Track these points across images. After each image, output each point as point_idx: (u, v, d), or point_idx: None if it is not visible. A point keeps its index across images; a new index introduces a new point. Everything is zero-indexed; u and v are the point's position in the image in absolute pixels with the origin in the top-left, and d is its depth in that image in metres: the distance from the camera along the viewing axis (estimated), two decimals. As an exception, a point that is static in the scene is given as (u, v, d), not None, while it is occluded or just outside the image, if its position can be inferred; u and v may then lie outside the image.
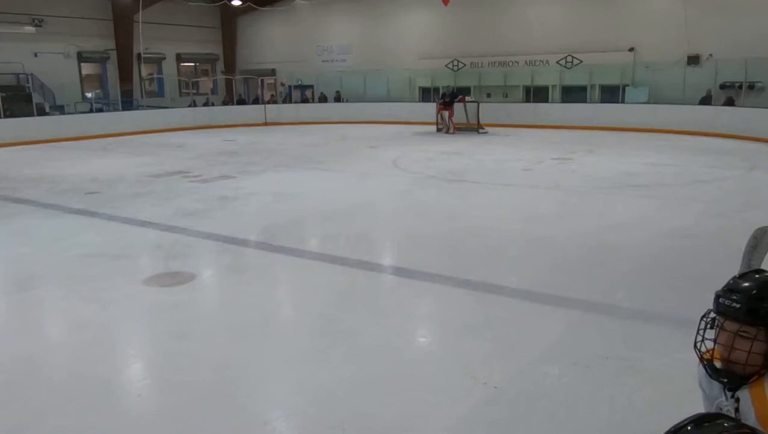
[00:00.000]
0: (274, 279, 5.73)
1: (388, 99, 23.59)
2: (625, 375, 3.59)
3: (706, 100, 17.66)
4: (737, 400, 1.56)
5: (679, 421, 1.11)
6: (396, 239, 7.14)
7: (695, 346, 1.60)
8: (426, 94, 23.53)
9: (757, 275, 1.60)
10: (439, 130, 18.98)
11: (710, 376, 1.59)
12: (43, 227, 7.62)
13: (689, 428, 1.07)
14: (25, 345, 4.22)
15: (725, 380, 1.56)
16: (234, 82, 27.45)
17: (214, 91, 28.04)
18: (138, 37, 23.00)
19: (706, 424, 1.08)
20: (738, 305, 1.52)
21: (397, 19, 24.16)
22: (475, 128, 18.51)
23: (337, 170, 11.98)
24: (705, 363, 1.60)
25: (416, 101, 23.55)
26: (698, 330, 1.60)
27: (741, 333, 1.51)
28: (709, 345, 1.60)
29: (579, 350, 3.93)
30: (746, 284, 1.55)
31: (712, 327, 1.59)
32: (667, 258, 5.89)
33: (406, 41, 23.84)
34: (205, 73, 28.69)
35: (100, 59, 24.65)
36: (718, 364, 1.60)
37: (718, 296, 1.57)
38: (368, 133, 18.99)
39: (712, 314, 1.59)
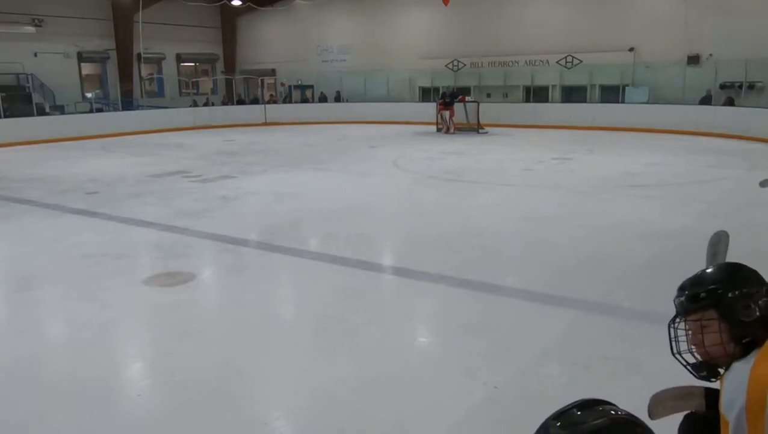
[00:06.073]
0: (274, 279, 5.73)
1: (388, 99, 23.59)
2: (625, 375, 3.59)
3: (706, 100, 17.66)
4: None
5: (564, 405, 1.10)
6: (396, 239, 7.14)
7: (673, 354, 1.63)
8: (426, 94, 23.52)
9: (699, 271, 1.65)
10: (439, 130, 18.97)
11: (695, 376, 1.61)
12: (43, 227, 7.61)
13: (574, 411, 1.07)
14: (25, 345, 4.22)
15: (704, 374, 1.60)
16: (234, 82, 27.45)
17: (214, 91, 28.01)
18: (138, 37, 23.02)
19: (592, 407, 1.07)
20: (682, 299, 1.60)
21: (397, 19, 24.15)
22: (475, 127, 18.51)
23: (337, 170, 11.97)
24: (688, 366, 1.62)
25: (416, 101, 23.54)
26: (670, 338, 1.62)
27: (702, 324, 1.55)
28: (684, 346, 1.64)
29: (579, 350, 3.93)
30: (688, 279, 1.63)
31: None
32: (667, 258, 5.88)
33: (406, 41, 23.83)
34: (205, 73, 28.67)
35: (100, 59, 24.63)
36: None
37: (674, 301, 1.63)
38: (368, 133, 18.98)
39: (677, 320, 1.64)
